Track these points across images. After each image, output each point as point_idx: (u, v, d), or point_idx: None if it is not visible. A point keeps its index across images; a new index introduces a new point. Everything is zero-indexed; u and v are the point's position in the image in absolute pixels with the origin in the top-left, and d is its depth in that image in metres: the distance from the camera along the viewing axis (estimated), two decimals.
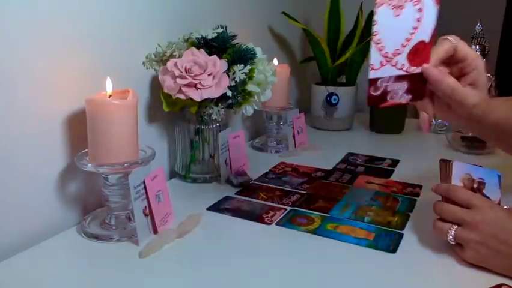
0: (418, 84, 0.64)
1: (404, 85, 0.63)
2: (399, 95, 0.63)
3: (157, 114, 0.89)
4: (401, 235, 0.68)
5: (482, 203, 0.59)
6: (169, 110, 0.84)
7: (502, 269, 0.57)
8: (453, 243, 0.60)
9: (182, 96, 0.78)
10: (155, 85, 0.86)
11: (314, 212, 0.76)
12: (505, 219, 0.57)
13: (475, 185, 0.64)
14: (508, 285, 0.54)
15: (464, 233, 0.58)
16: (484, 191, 0.64)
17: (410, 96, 0.64)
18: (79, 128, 0.70)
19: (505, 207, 0.62)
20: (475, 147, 1.10)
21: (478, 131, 0.68)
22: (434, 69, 0.62)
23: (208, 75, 0.78)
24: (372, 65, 0.61)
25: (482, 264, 0.58)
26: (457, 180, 0.64)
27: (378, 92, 0.62)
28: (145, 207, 0.66)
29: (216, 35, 0.83)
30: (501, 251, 0.56)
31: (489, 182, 0.64)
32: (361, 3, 1.34)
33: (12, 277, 0.57)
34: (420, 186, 0.89)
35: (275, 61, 1.11)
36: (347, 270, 0.60)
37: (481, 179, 0.65)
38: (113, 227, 0.68)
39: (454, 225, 0.60)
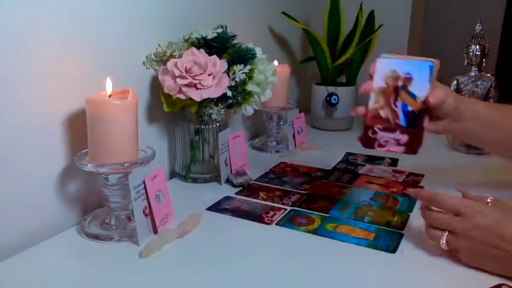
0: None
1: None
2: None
3: (157, 114, 0.89)
4: (401, 235, 0.68)
5: (471, 209, 0.58)
6: (169, 110, 0.84)
7: (497, 270, 0.57)
8: (446, 249, 0.60)
9: (182, 96, 0.78)
10: (155, 85, 0.86)
11: (314, 212, 0.76)
12: (494, 225, 0.56)
13: (400, 83, 0.62)
14: (507, 285, 0.54)
15: (456, 240, 0.59)
16: (409, 87, 0.62)
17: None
18: (79, 128, 0.70)
19: (489, 199, 0.60)
20: (475, 147, 1.10)
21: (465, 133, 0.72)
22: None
23: (208, 75, 0.78)
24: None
25: (478, 265, 0.58)
26: (380, 80, 0.63)
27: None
28: (145, 207, 0.66)
29: (216, 35, 0.83)
30: (494, 254, 0.56)
31: (418, 76, 0.62)
32: (361, 3, 1.34)
33: (12, 277, 0.57)
34: (422, 188, 0.89)
35: (275, 61, 1.11)
36: (347, 270, 0.59)
37: (408, 74, 0.62)
38: (113, 227, 0.68)
39: (445, 232, 0.59)
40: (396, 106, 0.63)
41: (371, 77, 0.65)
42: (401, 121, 0.63)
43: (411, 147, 0.63)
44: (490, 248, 0.56)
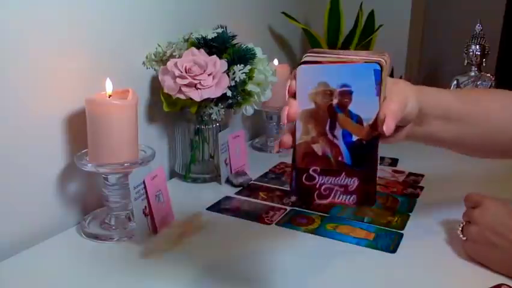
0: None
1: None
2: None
3: (157, 114, 0.89)
4: (401, 235, 0.68)
5: (488, 201, 0.61)
6: (169, 110, 0.84)
7: (497, 265, 0.58)
8: (461, 236, 0.62)
9: (182, 96, 0.78)
10: (155, 85, 0.86)
11: (314, 212, 0.76)
12: (504, 214, 0.58)
13: (335, 101, 0.42)
14: (507, 285, 0.54)
15: (468, 227, 0.61)
16: (350, 106, 0.42)
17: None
18: (79, 128, 0.70)
19: None
20: None
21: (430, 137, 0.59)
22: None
23: (208, 75, 0.78)
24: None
25: (480, 258, 0.59)
26: (304, 99, 0.42)
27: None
28: (145, 207, 0.66)
29: (216, 35, 0.83)
30: (497, 243, 0.57)
31: (359, 86, 0.41)
32: (361, 3, 1.34)
33: (12, 277, 0.57)
34: (421, 188, 0.89)
35: (275, 61, 1.11)
36: (347, 270, 0.59)
37: (344, 86, 0.41)
38: (113, 227, 0.68)
39: (463, 222, 0.63)
40: (335, 136, 0.43)
41: (292, 93, 0.43)
42: (346, 158, 0.43)
43: (366, 195, 0.43)
44: (494, 235, 0.57)
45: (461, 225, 0.63)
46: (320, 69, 0.41)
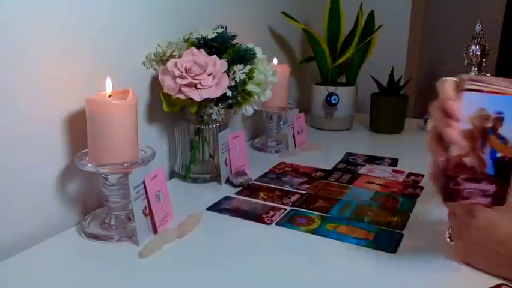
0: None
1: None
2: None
3: (157, 114, 0.89)
4: (401, 235, 0.68)
5: (477, 210, 0.59)
6: (169, 110, 0.84)
7: (489, 269, 0.57)
8: (449, 242, 0.62)
9: (182, 96, 0.78)
10: (155, 85, 0.86)
11: (314, 212, 0.76)
12: (487, 226, 0.57)
13: (489, 124, 0.51)
14: (507, 285, 0.54)
15: (453, 234, 0.61)
16: (500, 129, 0.51)
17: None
18: (79, 128, 0.70)
19: None
20: None
21: None
22: None
23: (208, 75, 0.78)
24: None
25: (470, 263, 0.59)
26: (464, 117, 0.51)
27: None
28: (145, 207, 0.66)
29: (216, 35, 0.83)
30: (484, 254, 0.57)
31: (510, 114, 0.50)
32: (361, 3, 1.34)
33: (12, 277, 0.57)
34: (421, 188, 0.89)
35: (275, 61, 1.11)
36: (346, 270, 0.60)
37: (499, 113, 0.50)
38: (113, 227, 0.68)
39: (450, 228, 0.62)
40: (483, 152, 0.52)
41: (450, 116, 0.51)
42: (489, 169, 0.53)
43: (499, 198, 0.53)
44: (481, 249, 0.57)
45: (448, 230, 0.62)
46: (481, 98, 0.50)
